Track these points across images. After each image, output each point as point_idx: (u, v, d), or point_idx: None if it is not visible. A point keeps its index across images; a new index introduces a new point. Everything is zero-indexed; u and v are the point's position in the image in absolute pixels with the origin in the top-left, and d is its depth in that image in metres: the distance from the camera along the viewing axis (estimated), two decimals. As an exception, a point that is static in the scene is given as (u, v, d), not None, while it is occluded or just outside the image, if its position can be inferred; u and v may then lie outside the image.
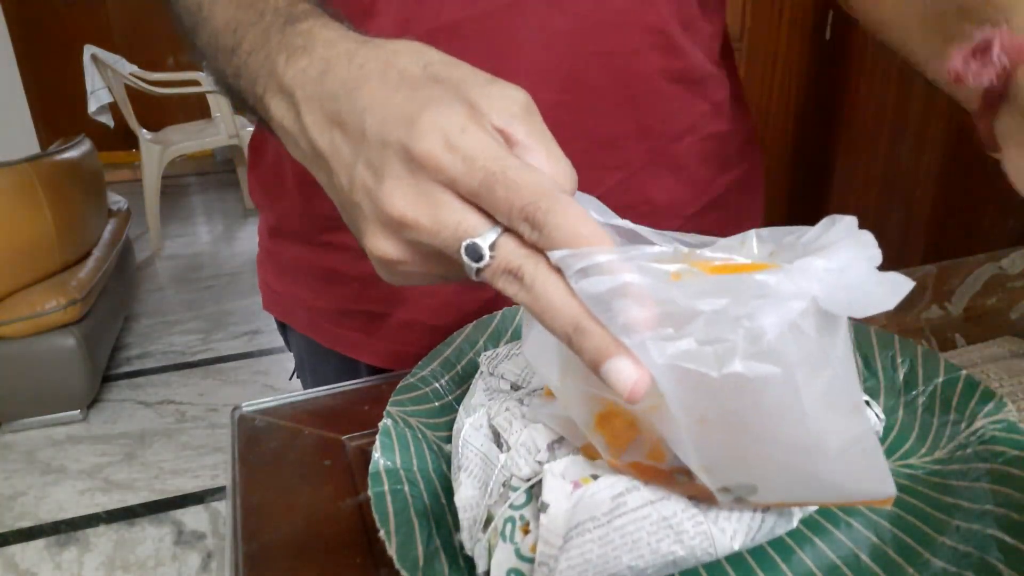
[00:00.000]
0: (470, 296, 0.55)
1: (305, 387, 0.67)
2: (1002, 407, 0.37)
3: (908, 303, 0.63)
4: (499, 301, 0.53)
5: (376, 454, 0.38)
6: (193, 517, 1.63)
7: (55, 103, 4.28)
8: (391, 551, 0.32)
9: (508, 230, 0.27)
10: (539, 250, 0.26)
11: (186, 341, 2.45)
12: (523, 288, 0.26)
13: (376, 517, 0.34)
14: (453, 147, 0.26)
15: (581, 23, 0.47)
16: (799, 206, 2.40)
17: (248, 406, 0.49)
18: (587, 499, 0.30)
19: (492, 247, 0.26)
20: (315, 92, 0.30)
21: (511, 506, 0.32)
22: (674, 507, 0.30)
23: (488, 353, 0.43)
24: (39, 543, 1.56)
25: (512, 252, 0.26)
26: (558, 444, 0.34)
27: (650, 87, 0.51)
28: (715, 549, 0.30)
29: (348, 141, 0.29)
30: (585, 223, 0.25)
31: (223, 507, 1.65)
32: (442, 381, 0.45)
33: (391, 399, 0.42)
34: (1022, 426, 0.35)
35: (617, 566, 0.29)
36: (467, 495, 0.34)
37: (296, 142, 0.32)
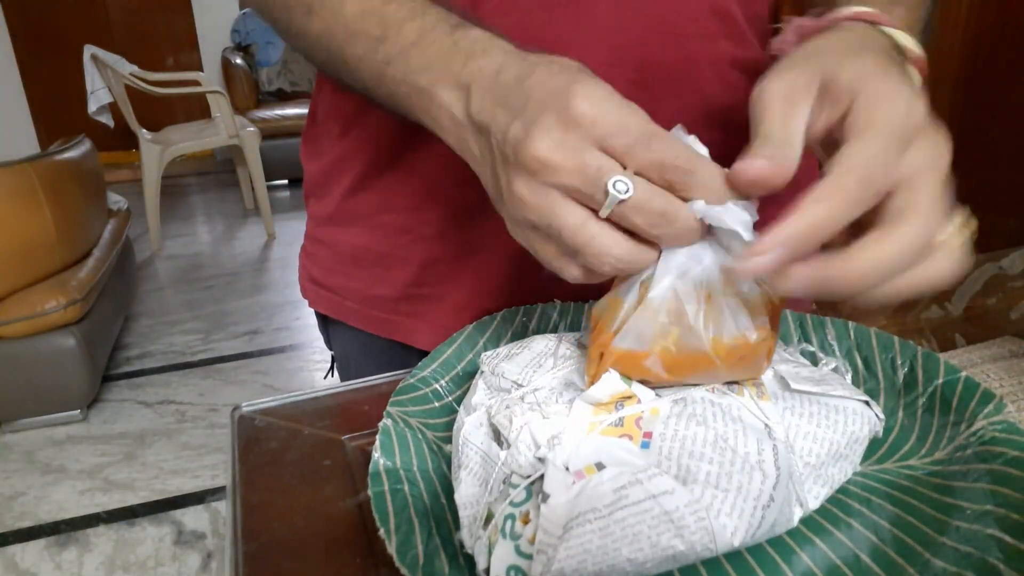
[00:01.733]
0: (520, 282, 0.56)
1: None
2: (1002, 408, 0.37)
3: (908, 303, 0.63)
4: (549, 287, 0.54)
5: (376, 454, 0.38)
6: (193, 517, 1.63)
7: (55, 103, 4.28)
8: (391, 550, 0.32)
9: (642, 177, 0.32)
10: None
11: (186, 341, 2.45)
12: (661, 221, 0.32)
13: (376, 517, 0.34)
14: (608, 111, 0.31)
15: (656, 4, 0.48)
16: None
17: (248, 406, 0.49)
18: (589, 490, 0.31)
19: (634, 185, 0.31)
20: (490, 85, 0.35)
21: (511, 503, 0.32)
22: (676, 502, 0.30)
23: (488, 353, 0.43)
24: (39, 543, 1.56)
25: (650, 189, 0.32)
26: (557, 440, 0.34)
27: (717, 74, 0.52)
28: (715, 544, 0.30)
29: (509, 113, 0.34)
30: (715, 180, 0.32)
31: (223, 507, 1.65)
32: (442, 382, 0.46)
33: (391, 399, 0.43)
34: (1022, 427, 0.35)
35: (616, 558, 0.30)
36: (467, 492, 0.34)
37: (457, 126, 0.37)
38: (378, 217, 0.58)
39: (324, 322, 0.68)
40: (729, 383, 0.38)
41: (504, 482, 0.34)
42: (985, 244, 0.54)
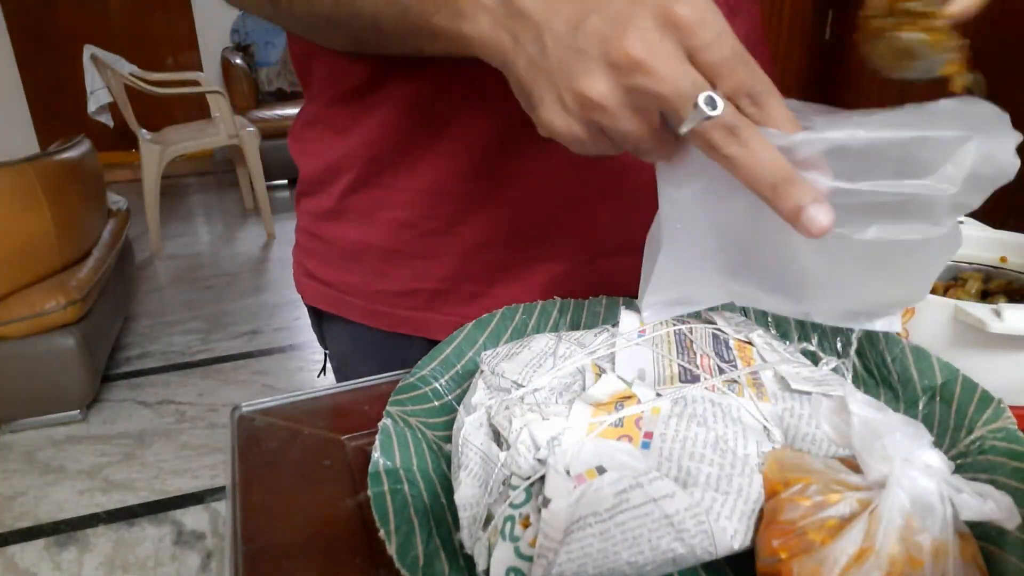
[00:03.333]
0: (529, 273, 0.57)
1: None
2: (1000, 413, 0.36)
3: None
4: (559, 285, 0.56)
5: (376, 454, 0.38)
6: (193, 517, 1.63)
7: (55, 103, 4.28)
8: (391, 551, 0.32)
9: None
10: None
11: (186, 341, 2.45)
12: (738, 142, 0.31)
13: (376, 517, 0.34)
14: (709, 22, 0.31)
15: None
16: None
17: (248, 406, 0.49)
18: (591, 494, 0.31)
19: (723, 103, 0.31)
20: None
21: (511, 504, 0.32)
22: (677, 505, 0.30)
23: (488, 352, 0.43)
24: (39, 543, 1.56)
25: (733, 111, 0.31)
26: (557, 441, 0.34)
27: None
28: (715, 548, 0.30)
29: (574, 1, 0.33)
30: (791, 115, 0.32)
31: (223, 507, 1.65)
32: (442, 381, 0.45)
33: (391, 399, 0.42)
34: (1021, 434, 0.35)
35: (616, 561, 0.30)
36: (467, 494, 0.34)
37: (486, 11, 0.35)
38: (381, 213, 0.58)
39: (318, 319, 0.68)
40: (728, 383, 0.38)
41: (504, 483, 0.34)
42: (985, 244, 0.54)
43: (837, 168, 0.32)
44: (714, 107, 0.31)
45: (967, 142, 0.31)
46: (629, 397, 0.37)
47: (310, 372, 2.22)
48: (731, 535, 0.30)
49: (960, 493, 0.28)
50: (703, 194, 0.36)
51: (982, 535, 0.31)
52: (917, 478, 0.28)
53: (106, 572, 1.49)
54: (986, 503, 0.28)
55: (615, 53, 0.31)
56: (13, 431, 1.94)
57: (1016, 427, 0.36)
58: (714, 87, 0.31)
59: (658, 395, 0.37)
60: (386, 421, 0.40)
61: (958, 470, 0.35)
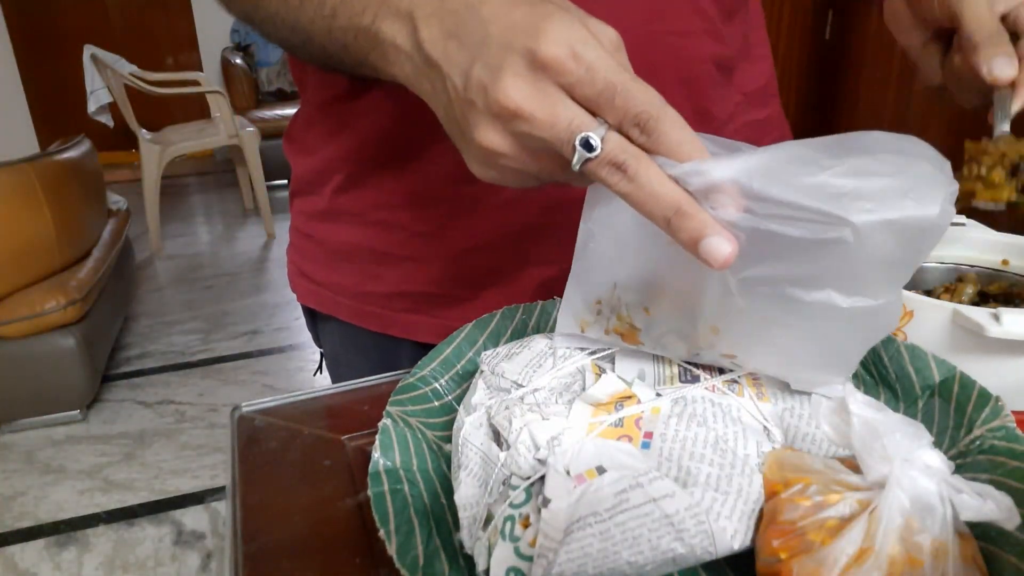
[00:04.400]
0: (517, 277, 0.58)
1: (335, 383, 0.67)
2: (999, 412, 0.36)
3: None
4: (548, 288, 0.56)
5: (376, 454, 0.38)
6: (193, 517, 1.63)
7: (55, 103, 4.28)
8: (391, 551, 0.32)
9: (614, 130, 0.31)
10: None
11: (186, 341, 2.45)
12: (626, 178, 0.30)
13: (376, 517, 0.34)
14: (578, 56, 0.30)
15: (648, 2, 0.49)
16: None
17: (248, 406, 0.49)
18: (591, 494, 0.31)
19: (603, 141, 0.30)
20: (435, 10, 0.33)
21: (511, 504, 0.32)
22: (677, 505, 0.30)
23: (488, 352, 0.43)
24: (39, 543, 1.56)
25: (619, 146, 0.30)
26: (557, 441, 0.34)
27: (702, 70, 0.54)
28: (715, 548, 0.30)
29: (464, 48, 0.32)
30: (688, 135, 0.30)
31: (223, 507, 1.65)
32: (442, 381, 0.45)
33: (391, 399, 0.42)
34: (1020, 433, 0.35)
35: (616, 561, 0.30)
36: (467, 494, 0.34)
37: (407, 58, 0.35)
38: (371, 214, 0.58)
39: (312, 318, 0.68)
40: (729, 383, 0.38)
41: (504, 483, 0.34)
42: (985, 244, 0.54)
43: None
44: (590, 149, 0.30)
45: (874, 214, 0.28)
46: (629, 397, 0.37)
47: (310, 372, 2.22)
48: (731, 535, 0.30)
49: (960, 493, 0.28)
50: (617, 219, 0.35)
51: (982, 535, 0.31)
52: (917, 478, 0.28)
53: (106, 572, 1.49)
54: (986, 503, 0.28)
55: (494, 105, 0.31)
56: (13, 431, 1.94)
57: (1015, 425, 0.35)
58: (603, 119, 0.31)
59: (658, 395, 0.37)
60: (386, 421, 0.40)
61: (958, 470, 0.35)
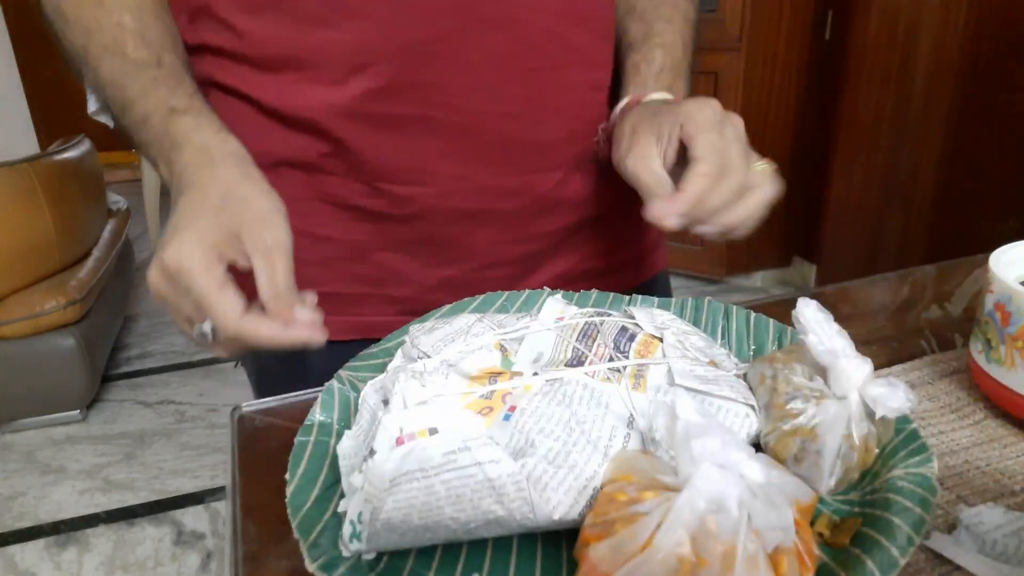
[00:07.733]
0: (420, 277, 0.61)
1: (258, 391, 0.71)
2: (926, 463, 0.36)
3: (908, 303, 0.63)
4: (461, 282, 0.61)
5: (315, 409, 0.41)
6: (193, 517, 1.63)
7: (55, 103, 4.28)
8: (287, 493, 0.35)
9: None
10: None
11: (186, 341, 2.45)
12: (238, 351, 0.44)
13: (289, 464, 0.37)
14: (182, 270, 0.42)
15: (520, 44, 0.54)
16: (798, 206, 2.40)
17: (248, 406, 0.49)
18: (418, 451, 0.33)
19: (213, 330, 0.43)
20: (176, 179, 0.47)
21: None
22: (500, 471, 0.33)
23: (416, 325, 0.46)
24: (39, 543, 1.56)
25: (229, 328, 0.42)
26: (426, 405, 0.37)
27: (574, 98, 0.59)
28: (535, 515, 0.33)
29: (171, 212, 0.46)
30: (282, 292, 0.42)
31: (223, 507, 1.66)
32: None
33: (347, 364, 0.45)
34: (935, 483, 0.35)
35: (440, 515, 0.32)
36: (347, 444, 0.38)
37: (174, 188, 0.48)
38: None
39: None
40: (613, 370, 0.40)
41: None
42: (985, 244, 0.54)
43: None
44: (203, 336, 0.43)
45: None
46: (501, 373, 0.39)
47: (310, 372, 2.22)
48: (553, 506, 0.32)
49: (756, 500, 0.29)
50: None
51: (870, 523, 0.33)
52: (717, 482, 0.29)
53: (106, 572, 1.49)
54: (770, 513, 0.29)
55: (158, 261, 0.43)
56: (13, 431, 1.94)
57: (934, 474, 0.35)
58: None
59: (535, 374, 0.39)
60: (333, 383, 0.43)
61: (864, 504, 0.36)
